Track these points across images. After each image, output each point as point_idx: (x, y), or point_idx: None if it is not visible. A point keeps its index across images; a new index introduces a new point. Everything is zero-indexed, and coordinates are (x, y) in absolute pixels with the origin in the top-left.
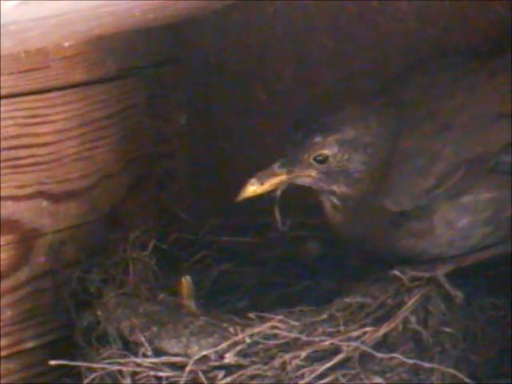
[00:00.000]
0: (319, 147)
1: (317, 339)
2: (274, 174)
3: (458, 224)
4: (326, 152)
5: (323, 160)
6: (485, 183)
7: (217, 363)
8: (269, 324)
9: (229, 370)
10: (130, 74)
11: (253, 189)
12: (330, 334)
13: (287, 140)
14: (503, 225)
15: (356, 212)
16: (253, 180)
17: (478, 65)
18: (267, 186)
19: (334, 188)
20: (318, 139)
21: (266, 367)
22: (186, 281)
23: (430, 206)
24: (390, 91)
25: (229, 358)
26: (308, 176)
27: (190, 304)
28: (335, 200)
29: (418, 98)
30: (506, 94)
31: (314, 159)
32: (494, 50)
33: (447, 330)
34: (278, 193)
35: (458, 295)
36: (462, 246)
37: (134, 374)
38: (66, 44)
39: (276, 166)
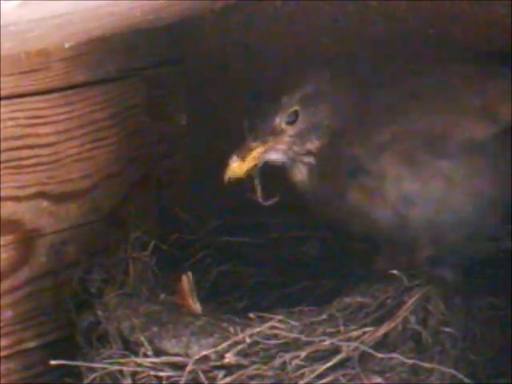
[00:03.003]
0: (288, 106)
1: (317, 339)
2: (252, 148)
3: (405, 187)
4: (296, 108)
5: (294, 119)
6: (443, 156)
7: (217, 363)
8: (269, 324)
9: (229, 369)
10: (131, 74)
11: (235, 165)
12: (330, 334)
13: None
14: (454, 205)
15: (323, 167)
16: (234, 157)
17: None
18: (249, 160)
19: (308, 146)
20: (284, 100)
21: (265, 367)
22: (187, 277)
23: (383, 166)
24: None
25: (229, 358)
26: (282, 142)
27: (193, 300)
28: (312, 160)
29: (397, 72)
30: (488, 92)
31: (286, 122)
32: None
33: (447, 329)
34: (258, 166)
35: (448, 276)
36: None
37: (134, 373)
38: (67, 45)
39: (250, 141)
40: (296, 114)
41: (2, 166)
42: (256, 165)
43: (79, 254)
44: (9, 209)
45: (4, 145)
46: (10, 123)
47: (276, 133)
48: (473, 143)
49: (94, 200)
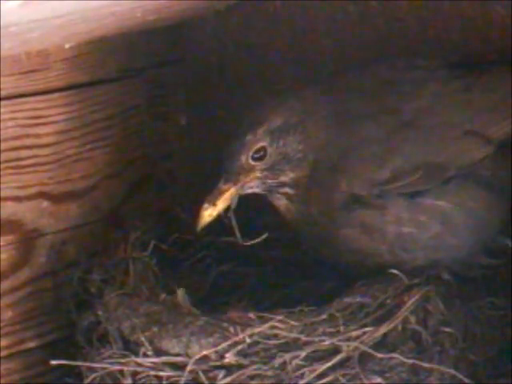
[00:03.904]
0: (253, 143)
1: (317, 339)
2: (222, 191)
3: (404, 228)
4: (262, 144)
5: (262, 155)
6: (442, 191)
7: (217, 363)
8: (269, 324)
9: (229, 369)
10: (131, 74)
11: (208, 213)
12: (330, 334)
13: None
14: (452, 242)
15: (310, 194)
16: (205, 205)
17: (451, 76)
18: (220, 204)
19: (283, 179)
20: (249, 137)
21: (265, 367)
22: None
23: (384, 202)
24: (339, 77)
25: (229, 358)
26: (254, 178)
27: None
28: (288, 190)
29: (375, 89)
30: (476, 112)
31: (253, 158)
32: (467, 64)
33: (447, 329)
34: (232, 206)
35: (445, 276)
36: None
37: (134, 373)
38: (67, 45)
39: (221, 184)
40: (264, 149)
41: (2, 166)
42: (229, 206)
43: (79, 253)
44: (9, 209)
45: (4, 145)
46: (10, 123)
47: (245, 171)
48: (469, 168)
49: (93, 200)
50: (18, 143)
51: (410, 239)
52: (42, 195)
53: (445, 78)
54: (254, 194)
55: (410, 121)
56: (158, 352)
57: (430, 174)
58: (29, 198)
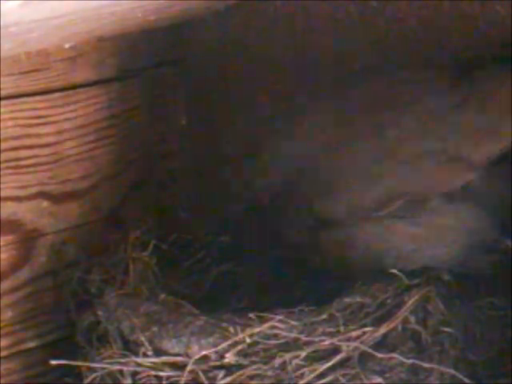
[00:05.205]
0: None
1: (317, 339)
2: None
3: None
4: None
5: None
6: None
7: (217, 363)
8: (269, 324)
9: (229, 369)
10: (131, 75)
11: None
12: (330, 334)
13: None
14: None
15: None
16: None
17: (446, 85)
18: None
19: None
20: None
21: (266, 367)
22: None
23: (357, 226)
24: (340, 87)
25: (229, 358)
26: None
27: None
28: None
29: (366, 106)
30: (463, 135)
31: None
32: (463, 71)
33: (446, 329)
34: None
35: (444, 276)
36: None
37: (134, 373)
38: (67, 45)
39: None
40: None
41: (2, 166)
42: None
43: (79, 253)
44: (9, 209)
45: (4, 145)
46: (10, 123)
47: None
48: (453, 192)
49: (94, 200)
50: (17, 143)
51: (378, 258)
52: (42, 195)
53: (435, 95)
54: None
55: (391, 150)
56: (158, 352)
57: (411, 204)
58: (29, 197)
